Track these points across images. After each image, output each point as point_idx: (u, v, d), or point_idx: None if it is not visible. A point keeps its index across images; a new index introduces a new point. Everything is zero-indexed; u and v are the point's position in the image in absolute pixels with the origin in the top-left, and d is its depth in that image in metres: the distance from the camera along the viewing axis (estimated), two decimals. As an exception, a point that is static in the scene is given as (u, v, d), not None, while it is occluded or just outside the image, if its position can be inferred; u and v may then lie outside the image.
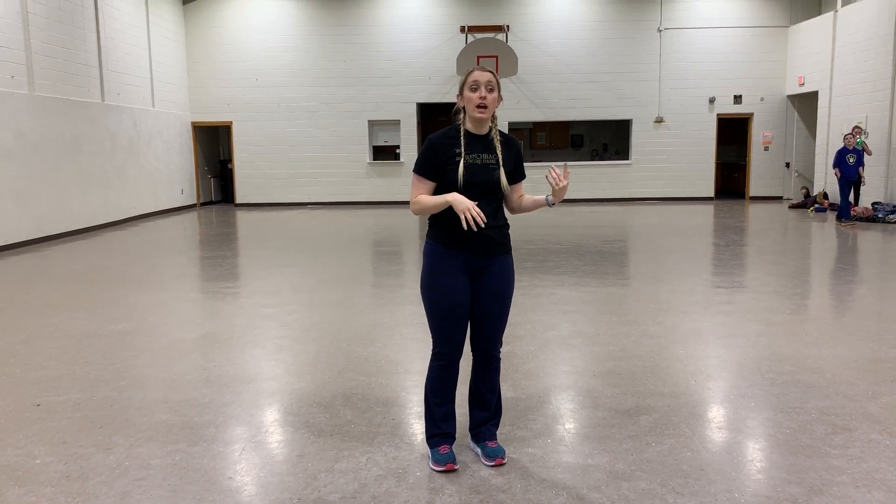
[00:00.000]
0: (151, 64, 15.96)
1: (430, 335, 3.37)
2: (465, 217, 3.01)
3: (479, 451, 3.40)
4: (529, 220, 14.33)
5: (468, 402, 3.49)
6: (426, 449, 3.43)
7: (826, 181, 15.91)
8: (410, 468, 3.30)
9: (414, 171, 3.25)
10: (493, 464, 3.31)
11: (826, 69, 15.85)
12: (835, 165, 13.10)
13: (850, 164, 12.89)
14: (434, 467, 3.28)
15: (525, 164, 3.53)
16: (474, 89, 3.18)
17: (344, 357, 5.07)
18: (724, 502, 2.94)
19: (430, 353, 3.37)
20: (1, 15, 10.75)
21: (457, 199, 3.07)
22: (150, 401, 4.23)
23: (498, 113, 3.16)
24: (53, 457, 3.47)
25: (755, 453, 3.43)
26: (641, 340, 5.38)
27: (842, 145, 13.21)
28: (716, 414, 3.94)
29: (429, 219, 3.31)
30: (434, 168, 3.20)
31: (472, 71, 3.24)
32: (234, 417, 3.96)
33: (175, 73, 17.29)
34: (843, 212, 12.99)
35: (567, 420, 3.87)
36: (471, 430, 3.48)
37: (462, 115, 3.27)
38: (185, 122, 17.83)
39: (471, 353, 3.45)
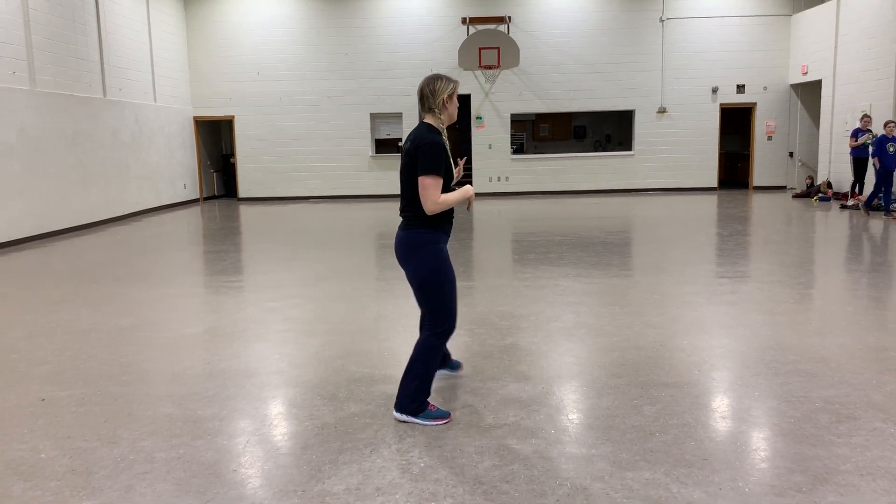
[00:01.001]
0: (152, 59, 15.94)
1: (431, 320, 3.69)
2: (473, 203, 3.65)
3: (448, 370, 4.33)
4: (532, 212, 14.31)
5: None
6: (418, 424, 3.70)
7: (830, 170, 15.85)
8: (414, 460, 3.30)
9: (434, 173, 3.48)
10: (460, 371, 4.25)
11: (829, 58, 15.77)
12: (874, 155, 12.78)
13: (890, 154, 12.57)
14: (442, 421, 3.69)
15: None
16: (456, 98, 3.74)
17: (347, 350, 5.07)
18: (728, 492, 2.94)
19: (432, 334, 3.66)
20: (2, 10, 10.74)
21: (469, 189, 3.65)
22: (154, 395, 4.24)
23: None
24: (58, 451, 3.48)
25: (759, 442, 3.42)
26: (645, 331, 5.37)
27: (881, 133, 12.78)
28: (720, 403, 3.94)
29: (420, 216, 3.59)
30: (446, 168, 3.58)
31: (455, 82, 3.71)
32: (238, 410, 3.97)
33: (176, 67, 17.27)
34: (886, 204, 12.61)
35: (571, 410, 3.87)
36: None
37: (438, 115, 3.66)
38: (187, 117, 17.82)
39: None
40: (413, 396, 3.70)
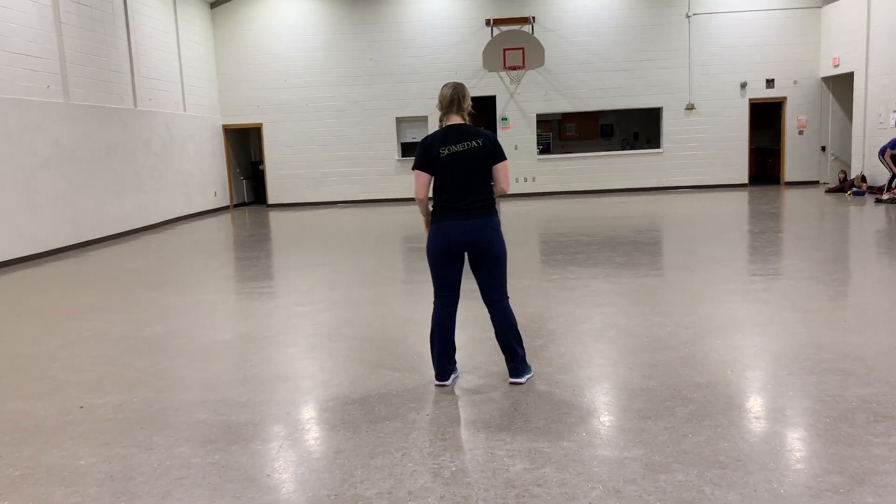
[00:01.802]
0: (181, 68, 16.18)
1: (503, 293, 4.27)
2: None
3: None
4: (559, 212, 14.26)
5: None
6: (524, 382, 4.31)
7: (864, 164, 15.55)
8: (445, 464, 3.31)
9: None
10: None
11: (861, 49, 15.48)
12: None
13: None
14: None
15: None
16: None
17: (377, 354, 5.10)
18: (763, 493, 2.90)
19: (508, 299, 4.28)
20: (35, 26, 10.99)
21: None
22: (189, 401, 4.30)
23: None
24: (97, 458, 3.55)
25: (794, 443, 3.38)
26: (676, 331, 5.33)
27: None
28: (753, 404, 3.89)
29: (492, 202, 4.16)
30: None
31: None
32: (271, 416, 4.01)
33: (205, 76, 17.50)
34: None
35: (602, 413, 3.85)
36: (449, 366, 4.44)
37: (465, 116, 4.16)
38: (217, 125, 18.06)
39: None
40: (525, 356, 4.33)
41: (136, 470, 3.39)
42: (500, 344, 4.32)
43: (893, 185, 13.85)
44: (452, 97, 4.10)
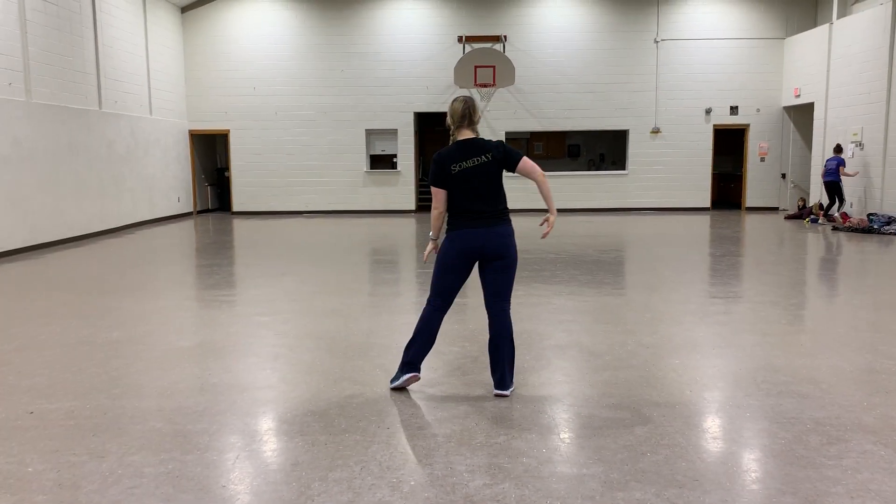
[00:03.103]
0: (149, 72, 15.98)
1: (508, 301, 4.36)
2: None
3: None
4: (525, 229, 14.33)
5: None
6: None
7: (822, 192, 15.94)
8: (405, 478, 3.28)
9: None
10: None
11: (822, 81, 15.92)
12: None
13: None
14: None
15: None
16: None
17: (339, 366, 5.06)
18: (718, 513, 2.93)
19: (510, 306, 4.35)
20: (-1, 22, 10.78)
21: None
22: (144, 409, 4.21)
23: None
24: (46, 465, 3.45)
25: (750, 464, 3.42)
26: (637, 350, 5.38)
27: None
28: (711, 424, 3.94)
29: (506, 211, 4.34)
30: None
31: None
32: (229, 426, 3.94)
33: (173, 81, 17.31)
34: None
35: (562, 429, 3.86)
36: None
37: (474, 129, 4.27)
38: (183, 130, 17.84)
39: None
40: (512, 369, 4.38)
41: (86, 478, 3.30)
42: (490, 352, 4.36)
43: (830, 211, 14.23)
44: (464, 112, 4.18)
